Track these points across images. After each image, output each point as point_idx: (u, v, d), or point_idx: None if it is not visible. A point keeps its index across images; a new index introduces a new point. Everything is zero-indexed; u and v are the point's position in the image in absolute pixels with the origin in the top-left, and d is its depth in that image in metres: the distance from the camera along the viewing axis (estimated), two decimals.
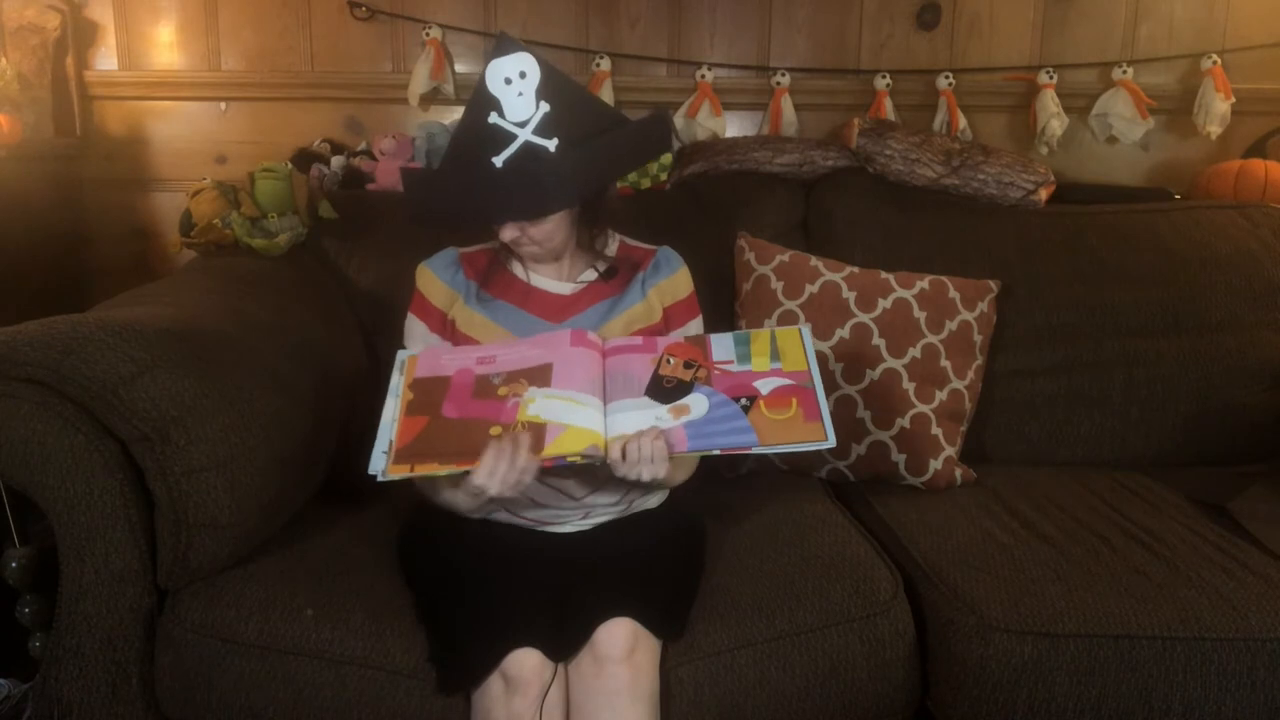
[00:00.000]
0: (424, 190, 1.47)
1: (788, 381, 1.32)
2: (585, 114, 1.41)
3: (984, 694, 1.35)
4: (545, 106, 1.34)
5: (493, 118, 1.34)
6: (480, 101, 1.35)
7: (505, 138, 1.34)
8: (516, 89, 1.34)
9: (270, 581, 1.38)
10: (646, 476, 1.26)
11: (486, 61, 1.35)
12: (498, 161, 1.34)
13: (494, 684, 1.23)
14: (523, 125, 1.34)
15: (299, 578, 1.39)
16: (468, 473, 1.24)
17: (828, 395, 1.37)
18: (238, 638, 1.32)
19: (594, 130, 1.39)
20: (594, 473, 1.38)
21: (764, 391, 1.31)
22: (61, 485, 1.30)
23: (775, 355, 1.36)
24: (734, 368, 1.35)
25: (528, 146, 1.34)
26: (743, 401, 1.30)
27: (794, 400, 1.30)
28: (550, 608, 1.29)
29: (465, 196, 1.38)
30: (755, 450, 1.27)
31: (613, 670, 1.24)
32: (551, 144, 1.34)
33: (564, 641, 1.27)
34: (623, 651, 1.25)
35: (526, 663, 1.23)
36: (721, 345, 1.39)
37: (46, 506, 1.32)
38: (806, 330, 1.39)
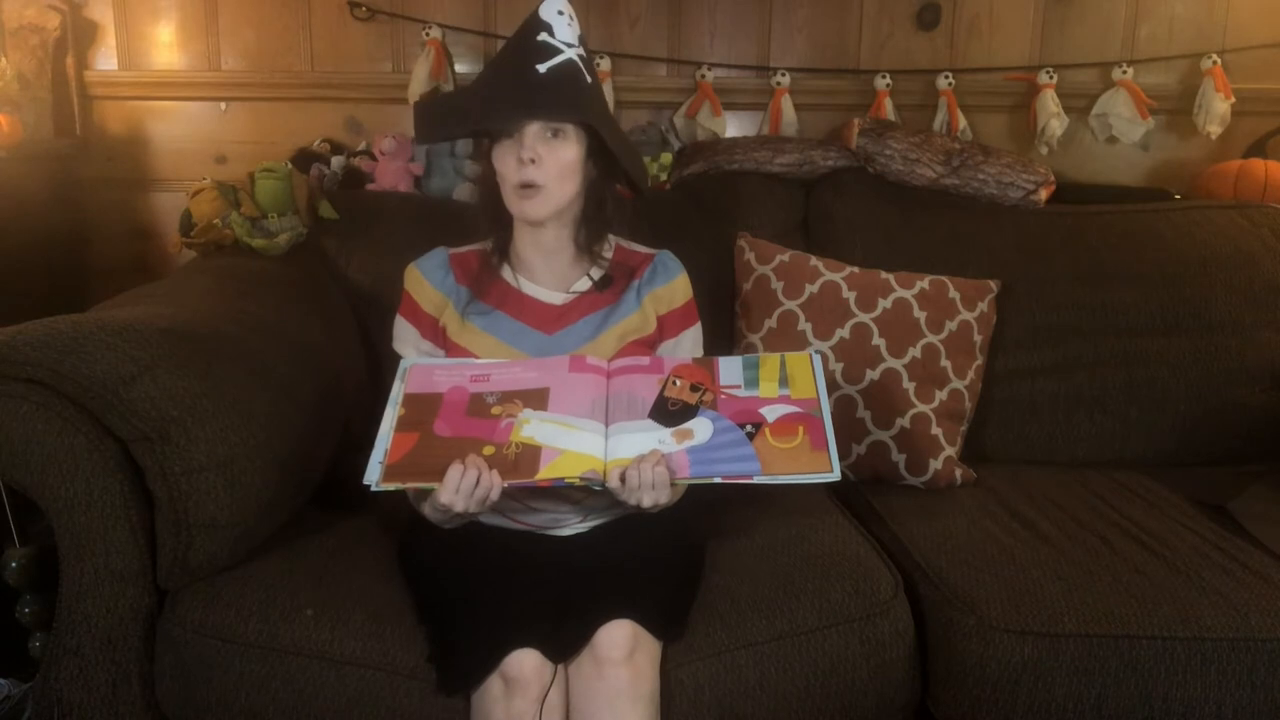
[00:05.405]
0: (450, 98, 1.48)
1: (795, 409, 1.30)
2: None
3: (984, 694, 1.35)
4: (584, 51, 1.41)
5: (543, 36, 1.38)
6: (529, 27, 1.40)
7: (553, 51, 1.38)
8: (567, 19, 1.40)
9: (270, 581, 1.38)
10: (648, 502, 1.26)
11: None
12: (542, 68, 1.37)
13: (494, 685, 1.23)
14: (571, 46, 1.39)
15: (299, 578, 1.39)
16: None
17: (829, 396, 1.36)
18: (238, 638, 1.32)
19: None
20: (592, 492, 1.38)
21: (770, 418, 1.29)
22: (61, 485, 1.29)
23: (784, 381, 1.33)
24: (741, 392, 1.33)
25: (572, 63, 1.38)
26: (748, 428, 1.28)
27: (801, 428, 1.28)
28: (550, 609, 1.29)
29: (497, 95, 1.40)
30: (757, 480, 1.24)
31: (613, 672, 1.24)
32: (589, 77, 1.40)
33: (564, 642, 1.27)
34: (623, 653, 1.24)
35: (526, 663, 1.22)
36: (730, 368, 1.37)
37: (46, 506, 1.32)
38: (818, 357, 1.37)
